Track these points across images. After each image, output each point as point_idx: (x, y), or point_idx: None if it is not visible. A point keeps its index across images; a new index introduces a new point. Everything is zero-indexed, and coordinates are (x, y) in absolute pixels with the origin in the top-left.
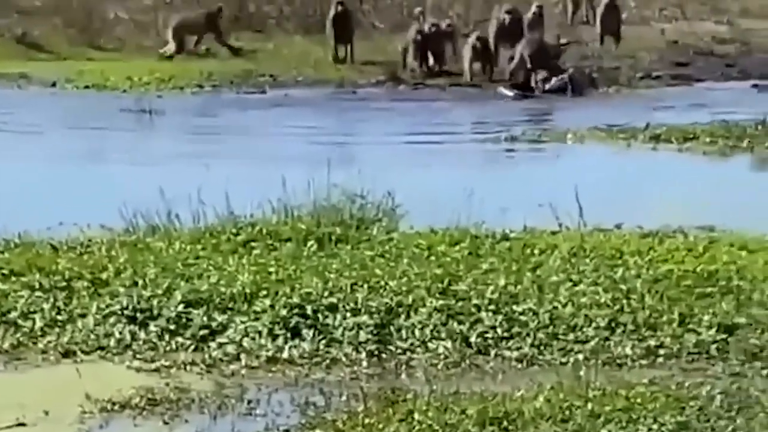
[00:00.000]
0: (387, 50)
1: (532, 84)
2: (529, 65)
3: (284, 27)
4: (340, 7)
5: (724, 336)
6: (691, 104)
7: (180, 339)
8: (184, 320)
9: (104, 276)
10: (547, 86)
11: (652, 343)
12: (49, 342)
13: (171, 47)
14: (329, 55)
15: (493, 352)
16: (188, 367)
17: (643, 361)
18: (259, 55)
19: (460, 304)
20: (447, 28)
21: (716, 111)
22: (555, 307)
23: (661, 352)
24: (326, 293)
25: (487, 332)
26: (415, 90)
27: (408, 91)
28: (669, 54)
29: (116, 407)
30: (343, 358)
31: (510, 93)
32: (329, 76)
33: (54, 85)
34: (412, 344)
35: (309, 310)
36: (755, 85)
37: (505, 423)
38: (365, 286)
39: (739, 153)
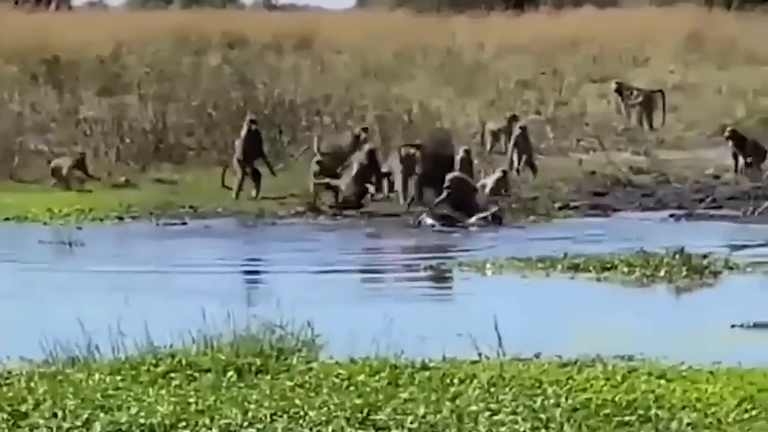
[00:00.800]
0: (306, 181)
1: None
2: (451, 203)
3: (204, 158)
4: (253, 126)
5: None
6: (609, 234)
7: None
8: None
9: (23, 408)
10: (472, 220)
11: None
12: None
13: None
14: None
15: None
16: None
17: None
18: (179, 186)
19: None
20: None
21: (634, 241)
22: None
23: None
24: (246, 424)
25: None
26: (334, 221)
27: (327, 221)
28: (587, 184)
29: None
30: None
31: (431, 222)
32: (249, 207)
33: None
34: None
35: None
36: (672, 215)
37: None
38: (285, 416)
39: (656, 282)
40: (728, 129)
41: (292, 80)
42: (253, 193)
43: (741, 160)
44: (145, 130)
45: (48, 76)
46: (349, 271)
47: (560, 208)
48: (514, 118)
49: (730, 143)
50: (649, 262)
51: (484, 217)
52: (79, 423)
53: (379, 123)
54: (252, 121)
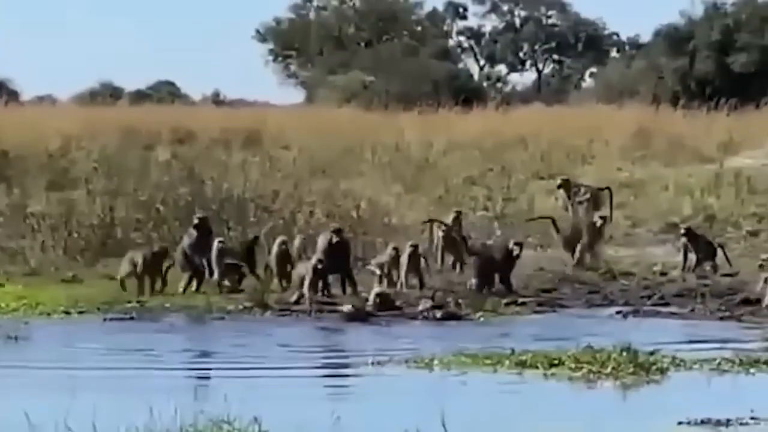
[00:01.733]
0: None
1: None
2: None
3: None
4: (200, 222)
5: None
6: (556, 330)
7: None
8: None
9: None
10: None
11: None
12: None
13: None
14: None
15: None
16: None
17: None
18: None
19: None
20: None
21: (582, 337)
22: None
23: None
24: None
25: None
26: (281, 316)
27: (274, 317)
28: (534, 281)
29: None
30: None
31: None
32: (197, 302)
33: None
34: None
35: None
36: (619, 312)
37: None
38: None
39: (603, 379)
40: (683, 226)
41: (240, 175)
42: (193, 288)
43: (692, 257)
44: (93, 224)
45: None
46: (295, 368)
47: (507, 304)
48: (459, 215)
49: (683, 240)
50: (597, 358)
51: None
52: None
53: (328, 219)
54: (201, 219)
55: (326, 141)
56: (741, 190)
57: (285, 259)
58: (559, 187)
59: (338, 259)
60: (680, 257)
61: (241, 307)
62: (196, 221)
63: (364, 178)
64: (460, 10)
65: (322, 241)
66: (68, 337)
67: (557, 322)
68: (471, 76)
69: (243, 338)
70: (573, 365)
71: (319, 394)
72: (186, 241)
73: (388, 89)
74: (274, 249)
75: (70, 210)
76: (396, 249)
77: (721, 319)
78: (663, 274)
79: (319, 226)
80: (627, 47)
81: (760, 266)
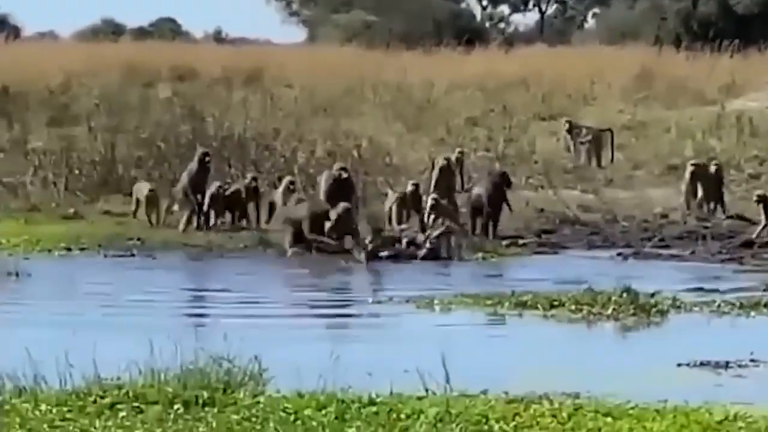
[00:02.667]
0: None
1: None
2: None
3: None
4: (206, 159)
5: None
6: (557, 271)
7: None
8: None
9: None
10: (420, 253)
11: None
12: None
13: None
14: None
15: None
16: None
17: None
18: (127, 219)
19: None
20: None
21: (582, 278)
22: None
23: None
24: None
25: None
26: (282, 257)
27: (275, 257)
28: (535, 222)
29: None
30: None
31: (362, 259)
32: (197, 240)
33: None
34: None
35: None
36: (620, 254)
37: None
38: None
39: (603, 320)
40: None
41: (241, 114)
42: (194, 224)
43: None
44: (94, 161)
45: None
46: (297, 305)
47: (508, 246)
48: (462, 155)
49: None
50: (597, 300)
51: (435, 253)
52: None
53: (329, 158)
54: (205, 154)
55: (328, 80)
56: (743, 132)
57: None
58: (567, 130)
59: (342, 198)
60: (681, 199)
61: (241, 245)
62: (199, 156)
63: (366, 117)
64: None
65: (325, 179)
66: (69, 273)
67: (558, 264)
68: (473, 16)
69: (241, 277)
70: (573, 306)
71: (319, 333)
72: (185, 178)
73: (391, 28)
74: (281, 188)
75: (71, 146)
76: (416, 185)
77: (722, 261)
78: (663, 216)
79: (319, 165)
80: None
81: (757, 202)
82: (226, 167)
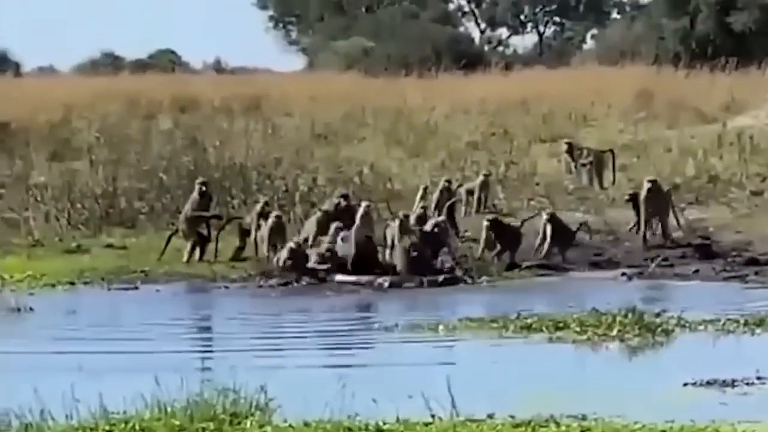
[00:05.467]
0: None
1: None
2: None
3: (155, 222)
4: (203, 188)
5: None
6: (561, 293)
7: None
8: None
9: None
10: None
11: None
12: None
13: None
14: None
15: None
16: None
17: None
18: (130, 251)
19: None
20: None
21: (586, 300)
22: None
23: None
24: None
25: None
26: (284, 286)
27: (277, 286)
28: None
29: None
30: None
31: (386, 283)
32: (200, 271)
33: None
34: None
35: None
36: (624, 274)
37: None
38: None
39: (608, 341)
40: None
41: (242, 143)
42: (196, 257)
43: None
44: (96, 194)
45: None
46: (303, 336)
47: (510, 269)
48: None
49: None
50: (602, 321)
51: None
52: None
53: (330, 185)
54: (203, 184)
55: (328, 107)
56: (744, 150)
57: (279, 232)
58: (567, 151)
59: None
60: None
61: (245, 275)
62: (199, 187)
63: (366, 143)
64: None
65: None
66: (73, 308)
67: (562, 286)
68: (472, 40)
69: (247, 306)
70: (578, 328)
71: (325, 361)
72: (188, 208)
73: (389, 54)
74: (254, 212)
75: (73, 180)
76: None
77: (726, 279)
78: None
79: (321, 194)
80: (628, 8)
81: (627, 200)
82: (227, 197)
